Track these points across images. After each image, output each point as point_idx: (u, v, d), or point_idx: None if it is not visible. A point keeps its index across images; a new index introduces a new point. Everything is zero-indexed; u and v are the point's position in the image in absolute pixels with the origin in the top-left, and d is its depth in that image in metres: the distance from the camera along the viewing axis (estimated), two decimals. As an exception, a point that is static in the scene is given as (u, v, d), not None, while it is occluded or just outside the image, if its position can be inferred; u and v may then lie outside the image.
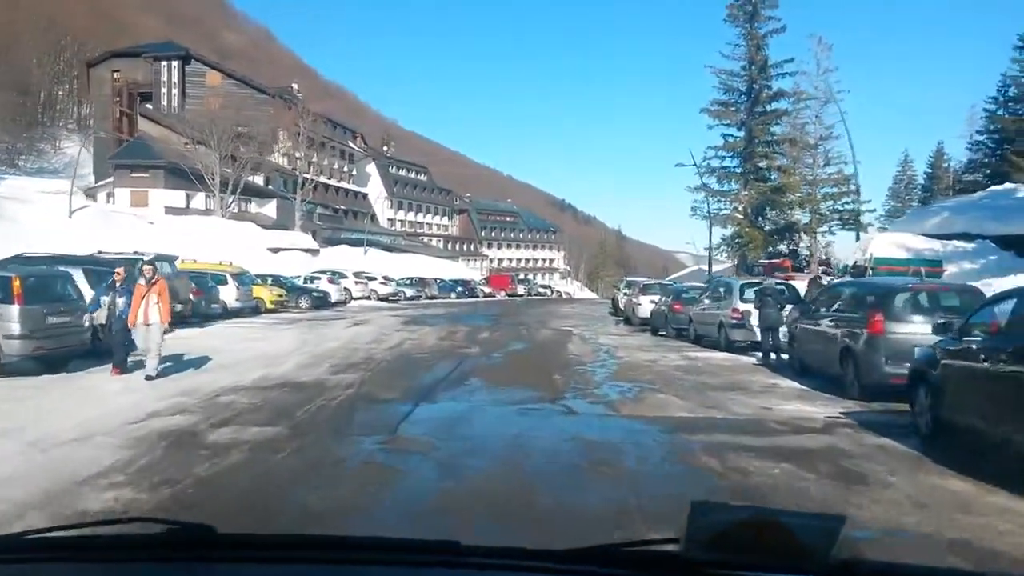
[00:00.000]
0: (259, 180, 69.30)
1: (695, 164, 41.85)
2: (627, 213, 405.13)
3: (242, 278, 26.59)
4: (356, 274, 39.53)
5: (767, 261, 42.31)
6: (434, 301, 47.90)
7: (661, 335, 21.78)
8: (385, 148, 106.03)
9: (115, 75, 70.29)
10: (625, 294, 30.58)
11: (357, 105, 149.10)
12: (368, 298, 39.28)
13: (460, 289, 55.49)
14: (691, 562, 1.17)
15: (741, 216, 40.61)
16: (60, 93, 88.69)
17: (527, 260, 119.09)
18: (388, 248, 74.96)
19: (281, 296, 29.50)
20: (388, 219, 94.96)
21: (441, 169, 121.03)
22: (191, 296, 21.72)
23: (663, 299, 23.42)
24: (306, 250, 51.53)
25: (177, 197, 59.88)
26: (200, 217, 50.48)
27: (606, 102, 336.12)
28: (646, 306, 25.41)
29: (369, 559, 1.41)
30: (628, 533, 4.42)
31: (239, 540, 1.49)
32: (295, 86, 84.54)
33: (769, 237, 41.19)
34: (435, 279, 53.74)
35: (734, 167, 43.02)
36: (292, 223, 64.86)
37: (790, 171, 40.32)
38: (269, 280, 32.19)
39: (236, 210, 63.74)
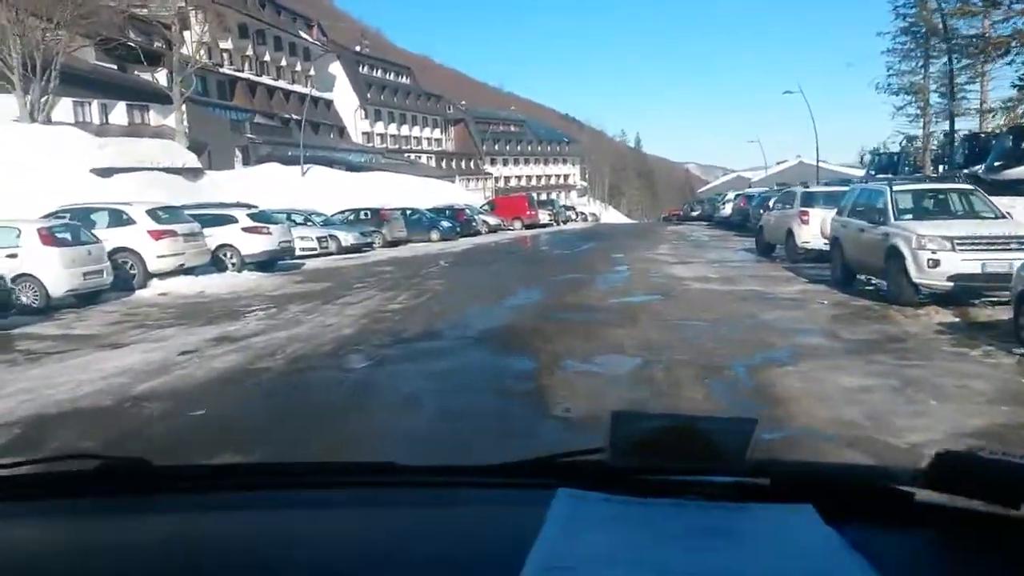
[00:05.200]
0: (162, 79, 46.32)
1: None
2: (635, 126, 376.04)
3: None
4: (157, 213, 14.14)
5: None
6: (392, 252, 25.49)
7: None
8: (358, 48, 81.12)
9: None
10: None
11: (334, 12, 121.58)
12: (222, 268, 16.45)
13: (446, 224, 32.02)
14: (617, 469, 1.16)
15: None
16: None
17: (538, 177, 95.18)
18: (356, 168, 52.17)
19: None
20: (363, 132, 71.22)
21: (432, 82, 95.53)
22: None
23: None
24: (173, 170, 28.27)
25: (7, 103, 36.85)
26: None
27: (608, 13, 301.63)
28: None
29: (306, 483, 1.33)
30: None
31: (173, 472, 1.40)
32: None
33: None
34: (404, 210, 30.63)
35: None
36: (213, 138, 42.77)
37: None
38: None
39: (126, 122, 41.29)
